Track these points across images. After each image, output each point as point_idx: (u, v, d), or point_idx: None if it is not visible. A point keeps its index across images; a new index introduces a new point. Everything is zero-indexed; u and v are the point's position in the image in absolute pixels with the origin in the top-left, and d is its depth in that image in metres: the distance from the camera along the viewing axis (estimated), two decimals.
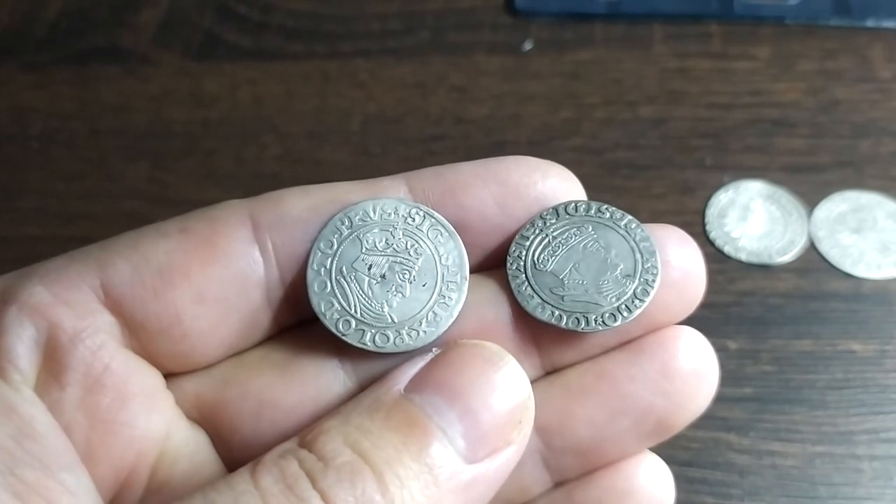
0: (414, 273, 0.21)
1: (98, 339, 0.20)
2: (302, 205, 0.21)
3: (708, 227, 0.40)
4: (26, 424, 0.18)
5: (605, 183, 0.41)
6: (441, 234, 0.21)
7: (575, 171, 0.23)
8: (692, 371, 0.21)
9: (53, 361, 0.19)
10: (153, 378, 0.21)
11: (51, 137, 0.44)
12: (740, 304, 0.37)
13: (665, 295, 0.21)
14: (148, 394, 0.20)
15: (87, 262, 0.20)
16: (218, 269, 0.20)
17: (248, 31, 0.48)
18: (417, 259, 0.21)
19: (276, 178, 0.42)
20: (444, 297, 0.21)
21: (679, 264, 0.22)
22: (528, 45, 0.47)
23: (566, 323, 0.21)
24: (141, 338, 0.20)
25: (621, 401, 0.21)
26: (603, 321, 0.21)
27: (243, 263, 0.21)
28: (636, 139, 0.43)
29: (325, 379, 0.21)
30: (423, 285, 0.21)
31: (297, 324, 0.22)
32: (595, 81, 0.45)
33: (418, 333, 0.20)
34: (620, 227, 0.22)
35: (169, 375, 0.21)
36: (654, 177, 0.41)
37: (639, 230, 0.22)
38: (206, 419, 0.21)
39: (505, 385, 0.19)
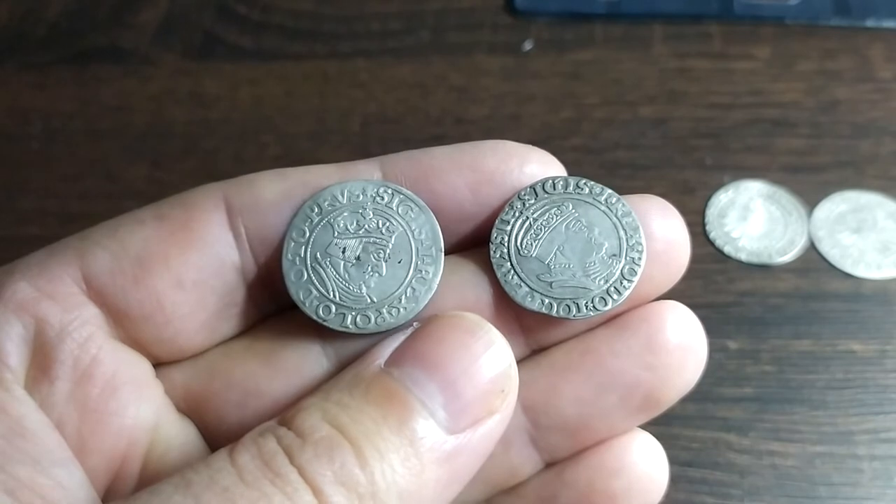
0: (388, 251, 0.21)
1: (85, 331, 0.20)
2: (275, 189, 0.21)
3: (708, 227, 0.39)
4: (16, 423, 0.19)
5: (605, 183, 0.41)
6: (412, 210, 0.21)
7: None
8: (678, 345, 0.21)
9: (42, 356, 0.19)
10: (141, 367, 0.21)
11: (51, 137, 0.44)
12: (740, 304, 0.37)
13: (650, 268, 0.21)
14: (137, 383, 0.20)
15: (67, 254, 0.20)
16: (195, 254, 0.21)
17: (248, 31, 0.48)
18: (390, 237, 0.21)
19: None
20: (421, 271, 0.21)
21: (662, 235, 0.21)
22: (528, 45, 0.47)
23: (557, 311, 0.21)
24: (126, 326, 0.20)
25: (607, 376, 0.21)
26: (594, 306, 0.21)
27: (219, 248, 0.21)
28: (636, 139, 0.43)
29: (309, 366, 0.21)
30: (399, 262, 0.21)
31: (280, 311, 0.22)
32: (595, 81, 0.45)
33: (399, 311, 0.20)
34: (601, 203, 0.22)
35: (158, 366, 0.21)
36: (654, 177, 0.41)
37: (620, 204, 0.22)
38: (194, 410, 0.21)
39: (485, 354, 0.19)
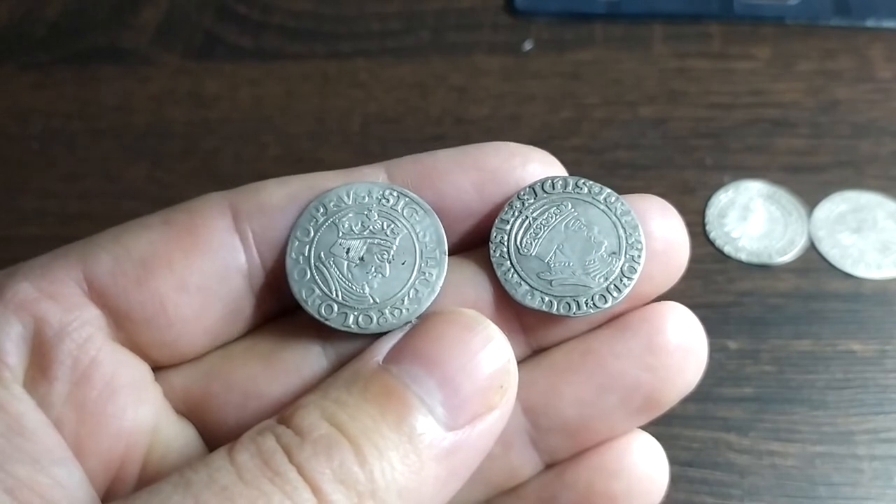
0: (392, 253, 0.21)
1: (84, 332, 0.20)
2: (281, 193, 0.21)
3: (708, 227, 0.39)
4: (16, 421, 0.19)
5: (605, 183, 0.41)
6: (417, 213, 0.21)
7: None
8: (678, 346, 0.21)
9: (41, 356, 0.19)
10: (140, 370, 0.21)
11: (51, 137, 0.44)
12: (740, 304, 0.37)
13: (649, 267, 0.21)
14: (135, 385, 0.20)
15: (71, 257, 0.20)
16: (199, 257, 0.21)
17: (248, 31, 0.48)
18: (395, 239, 0.21)
19: None
20: (425, 273, 0.21)
21: (661, 235, 0.22)
22: (528, 45, 0.47)
23: (557, 309, 0.21)
24: (127, 329, 0.20)
25: (607, 378, 0.21)
26: (594, 304, 0.21)
27: (224, 252, 0.21)
28: (636, 139, 0.43)
29: (309, 367, 0.21)
30: (403, 264, 0.21)
31: (281, 313, 0.22)
32: (595, 81, 0.45)
33: (401, 312, 0.20)
34: (600, 202, 0.22)
35: (157, 369, 0.21)
36: (654, 177, 0.41)
37: (619, 203, 0.22)
38: (194, 413, 0.21)
39: (483, 350, 0.19)
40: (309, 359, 0.21)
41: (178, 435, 0.21)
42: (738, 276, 0.38)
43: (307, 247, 0.21)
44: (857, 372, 0.35)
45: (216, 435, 0.21)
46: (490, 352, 0.19)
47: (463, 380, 0.18)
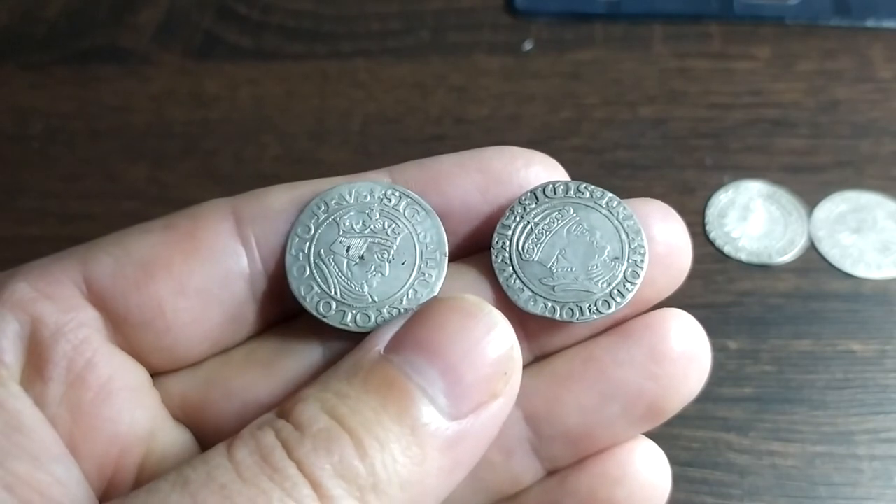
0: (392, 252, 0.21)
1: (81, 334, 0.20)
2: (285, 198, 0.21)
3: (708, 227, 0.39)
4: (14, 418, 0.18)
5: (605, 183, 0.41)
6: (418, 213, 0.21)
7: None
8: (682, 353, 0.21)
9: (36, 356, 0.19)
10: (138, 374, 0.21)
11: (51, 137, 0.44)
12: (740, 304, 0.37)
13: (652, 271, 0.21)
14: (132, 389, 0.20)
15: (71, 259, 0.20)
16: (200, 261, 0.20)
17: (248, 31, 0.48)
18: (395, 238, 0.21)
19: (276, 178, 0.41)
20: (424, 274, 0.21)
21: (664, 239, 0.21)
22: (528, 45, 0.47)
23: (560, 315, 0.21)
24: (125, 332, 0.20)
25: (610, 386, 0.21)
26: (597, 309, 0.21)
27: (225, 256, 0.21)
28: (636, 139, 0.43)
29: (310, 375, 0.21)
30: (403, 264, 0.21)
31: (283, 319, 0.22)
32: (595, 81, 0.45)
33: (400, 311, 0.20)
34: (602, 207, 0.22)
35: (155, 375, 0.21)
36: (654, 177, 0.41)
37: (621, 208, 0.21)
38: (191, 419, 0.21)
39: (486, 337, 0.18)
40: (309, 366, 0.21)
41: (175, 441, 0.21)
42: (738, 276, 0.38)
43: (307, 244, 0.21)
44: (857, 372, 0.35)
45: (214, 442, 0.21)
46: (493, 338, 0.19)
47: (466, 368, 0.18)
